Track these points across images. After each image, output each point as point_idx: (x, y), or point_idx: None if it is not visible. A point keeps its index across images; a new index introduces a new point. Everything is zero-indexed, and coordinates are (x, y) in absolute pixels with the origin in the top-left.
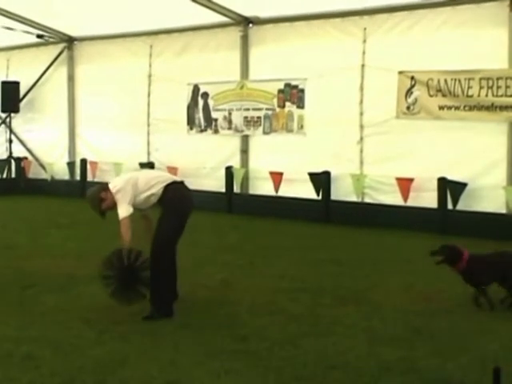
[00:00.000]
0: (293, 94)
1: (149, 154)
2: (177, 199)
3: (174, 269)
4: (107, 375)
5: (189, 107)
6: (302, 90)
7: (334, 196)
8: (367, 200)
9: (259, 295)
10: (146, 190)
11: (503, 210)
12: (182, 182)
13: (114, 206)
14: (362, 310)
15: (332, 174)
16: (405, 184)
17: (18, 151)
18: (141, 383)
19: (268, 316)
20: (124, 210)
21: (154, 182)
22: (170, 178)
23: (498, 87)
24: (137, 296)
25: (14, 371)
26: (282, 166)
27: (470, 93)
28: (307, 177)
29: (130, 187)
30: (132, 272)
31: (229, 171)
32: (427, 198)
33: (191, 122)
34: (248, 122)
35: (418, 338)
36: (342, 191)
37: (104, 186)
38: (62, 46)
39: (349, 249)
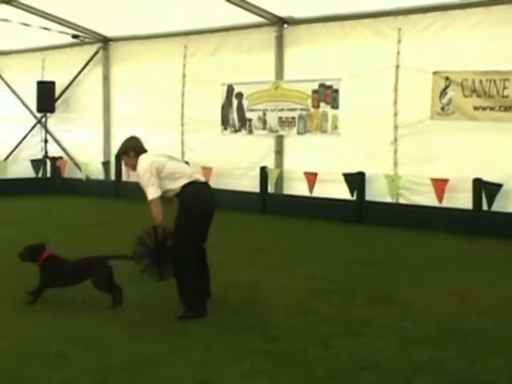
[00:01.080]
0: (327, 94)
1: (183, 153)
2: (192, 199)
3: (202, 269)
4: (139, 374)
5: (223, 107)
6: (337, 91)
7: (368, 196)
8: (402, 201)
9: (291, 296)
10: (166, 181)
11: None
12: (205, 183)
13: (130, 168)
14: (393, 311)
15: (366, 175)
16: (439, 185)
17: (54, 151)
18: (172, 383)
19: (300, 316)
20: (152, 192)
21: (177, 176)
22: (193, 175)
23: None
24: (168, 273)
25: (47, 370)
26: (317, 166)
27: (505, 93)
28: (341, 177)
29: (154, 171)
30: (164, 249)
31: (263, 171)
32: (462, 199)
33: (225, 122)
34: (282, 122)
35: (450, 339)
36: (377, 192)
37: (137, 150)
38: (97, 46)
39: (382, 249)
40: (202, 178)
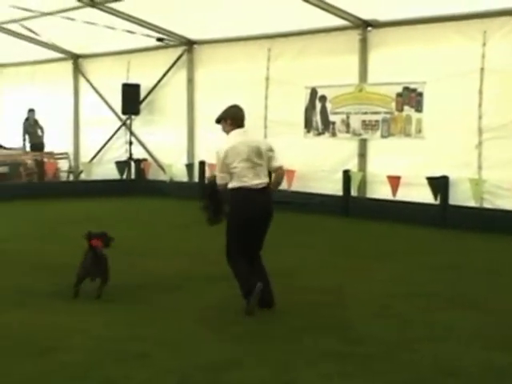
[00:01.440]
0: (411, 97)
1: None
2: (234, 205)
3: (259, 275)
4: (220, 375)
5: (306, 110)
6: (421, 94)
7: (451, 201)
8: (486, 205)
9: (374, 299)
10: (221, 173)
11: None
12: (255, 189)
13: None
14: (478, 316)
15: (450, 179)
16: None
17: (138, 153)
18: None
19: (383, 320)
20: (219, 179)
21: (233, 174)
22: (245, 180)
23: None
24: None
25: (129, 369)
26: (400, 169)
27: None
28: (425, 181)
29: (222, 155)
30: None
31: (346, 175)
32: None
33: (308, 125)
34: (366, 125)
35: None
36: (460, 196)
37: (234, 119)
38: (181, 49)
39: (466, 254)
40: (258, 184)
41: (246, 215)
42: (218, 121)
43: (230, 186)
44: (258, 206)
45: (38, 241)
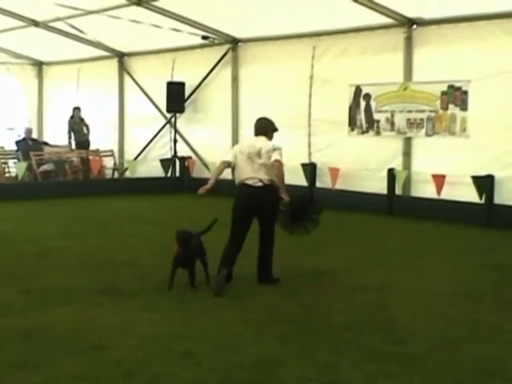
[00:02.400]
0: (456, 96)
1: (310, 154)
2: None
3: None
4: (264, 374)
5: (350, 108)
6: (466, 92)
7: (497, 200)
8: None
9: (419, 298)
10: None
11: None
12: (246, 185)
13: None
14: None
15: (496, 178)
16: None
17: (182, 150)
18: None
19: (427, 320)
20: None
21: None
22: (241, 180)
23: None
24: (301, 230)
25: (174, 367)
26: (445, 168)
27: None
28: (470, 180)
29: (236, 148)
30: (304, 212)
31: (391, 173)
32: None
33: (353, 123)
34: (411, 123)
35: None
36: (506, 195)
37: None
38: (226, 47)
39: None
40: (250, 180)
41: (237, 208)
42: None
43: (235, 181)
44: (245, 198)
45: (84, 238)
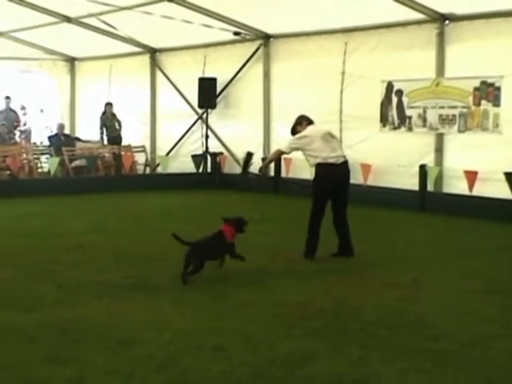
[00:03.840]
0: (489, 92)
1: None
2: (317, 178)
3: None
4: (295, 369)
5: (382, 104)
6: (498, 88)
7: None
8: None
9: (451, 295)
10: (312, 153)
11: None
12: (334, 164)
13: None
14: None
15: None
16: None
17: (214, 146)
18: (329, 379)
19: (459, 316)
20: (284, 147)
21: (314, 155)
22: (327, 159)
23: None
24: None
25: (205, 361)
26: (477, 164)
27: None
28: (502, 176)
29: (302, 141)
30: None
31: (422, 169)
32: None
33: (384, 119)
34: (443, 120)
35: None
36: None
37: (307, 121)
38: (258, 43)
39: None
40: (337, 159)
41: (325, 185)
42: (294, 127)
43: (314, 161)
44: (334, 176)
45: (115, 233)
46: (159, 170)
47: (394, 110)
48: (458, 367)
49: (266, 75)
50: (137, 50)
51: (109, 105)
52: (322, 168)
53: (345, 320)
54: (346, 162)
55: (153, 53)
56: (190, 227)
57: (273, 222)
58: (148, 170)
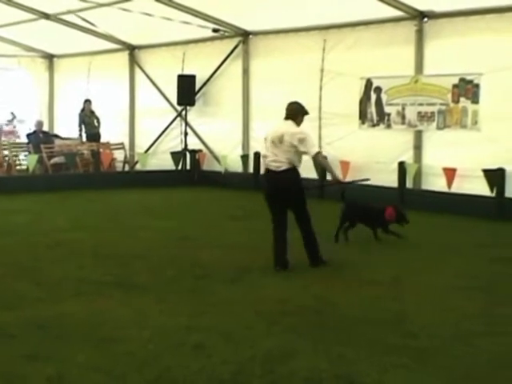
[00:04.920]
0: (467, 89)
1: (320, 147)
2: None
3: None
4: (276, 366)
5: (361, 101)
6: (477, 85)
7: (508, 193)
8: None
9: (431, 292)
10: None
11: None
12: (275, 172)
13: None
14: None
15: (507, 171)
16: None
17: (193, 143)
18: (309, 375)
19: (439, 313)
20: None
21: (267, 158)
22: (272, 162)
23: None
24: None
25: (186, 358)
26: (456, 161)
27: None
28: (481, 173)
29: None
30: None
31: (401, 166)
32: None
33: (363, 116)
34: (421, 117)
35: None
36: None
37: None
38: (237, 40)
39: None
40: (277, 167)
41: (266, 192)
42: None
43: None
44: (270, 183)
45: (95, 231)
46: (138, 167)
47: (372, 107)
48: (439, 364)
49: (245, 72)
50: (116, 46)
51: (87, 102)
52: (264, 173)
53: (325, 317)
54: (287, 170)
55: (132, 50)
56: (170, 224)
57: (253, 219)
58: (127, 167)
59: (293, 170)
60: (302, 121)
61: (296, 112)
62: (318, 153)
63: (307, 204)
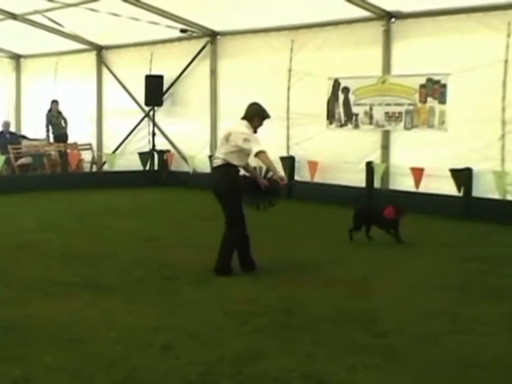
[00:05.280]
0: (435, 89)
1: (288, 147)
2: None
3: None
4: (245, 366)
5: (329, 102)
6: (444, 86)
7: (475, 193)
8: (510, 197)
9: (399, 291)
10: None
11: None
12: (214, 168)
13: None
14: (503, 309)
15: (474, 171)
16: None
17: (161, 144)
18: (278, 375)
19: (408, 312)
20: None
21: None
22: (215, 158)
23: None
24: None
25: (154, 360)
26: (423, 161)
27: None
28: (448, 173)
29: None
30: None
31: (369, 166)
32: None
33: (331, 116)
34: (389, 117)
35: None
36: (484, 188)
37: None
38: (204, 40)
39: (491, 246)
40: (216, 162)
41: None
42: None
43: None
44: (215, 181)
45: (63, 231)
46: (106, 167)
47: (340, 107)
48: (407, 362)
49: (213, 72)
50: (83, 47)
51: (55, 102)
52: None
53: (293, 317)
54: (221, 166)
55: (99, 50)
56: (138, 225)
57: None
58: (94, 168)
59: (227, 166)
60: (260, 124)
61: (252, 113)
62: (261, 151)
63: (241, 206)
